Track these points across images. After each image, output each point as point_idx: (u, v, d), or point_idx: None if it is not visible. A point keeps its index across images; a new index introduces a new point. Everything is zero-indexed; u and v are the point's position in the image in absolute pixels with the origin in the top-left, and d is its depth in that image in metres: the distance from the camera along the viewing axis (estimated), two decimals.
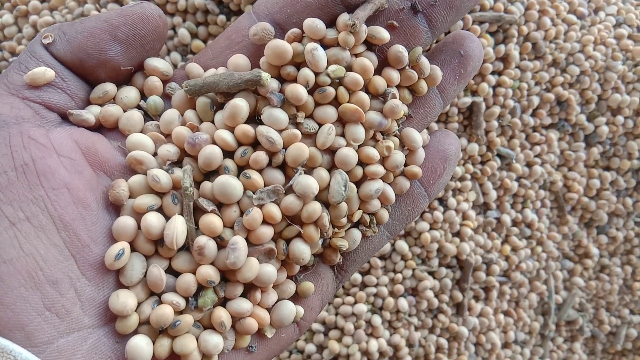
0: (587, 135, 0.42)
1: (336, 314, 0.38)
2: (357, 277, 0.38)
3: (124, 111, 0.24)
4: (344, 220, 0.24)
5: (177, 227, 0.21)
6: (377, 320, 0.38)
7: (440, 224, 0.38)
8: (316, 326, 0.38)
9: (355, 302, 0.38)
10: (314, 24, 0.23)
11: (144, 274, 0.21)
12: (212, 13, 0.36)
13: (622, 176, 0.42)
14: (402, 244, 0.38)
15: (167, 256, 0.22)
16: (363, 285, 0.39)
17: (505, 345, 0.42)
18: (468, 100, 0.37)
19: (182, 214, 0.22)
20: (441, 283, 0.39)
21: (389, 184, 0.25)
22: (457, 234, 0.39)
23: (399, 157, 0.24)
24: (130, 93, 0.24)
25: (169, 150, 0.22)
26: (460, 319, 0.40)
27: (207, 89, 0.23)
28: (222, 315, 0.22)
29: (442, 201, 0.39)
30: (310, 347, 0.38)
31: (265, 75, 0.22)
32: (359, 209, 0.24)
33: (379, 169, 0.24)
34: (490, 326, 0.41)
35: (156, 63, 0.24)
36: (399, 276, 0.38)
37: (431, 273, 0.39)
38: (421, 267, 0.39)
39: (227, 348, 0.22)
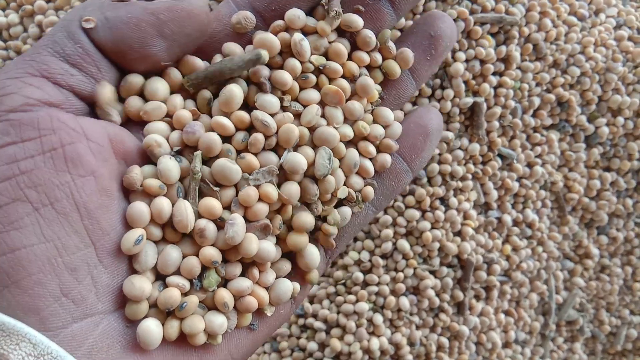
0: (588, 136, 0.42)
1: (338, 312, 0.39)
2: (359, 275, 0.38)
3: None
4: (329, 195, 0.25)
5: (187, 211, 0.22)
6: (378, 318, 0.38)
7: (441, 223, 0.39)
8: (318, 324, 0.39)
9: (357, 301, 0.38)
10: (295, 15, 0.24)
11: (156, 259, 0.22)
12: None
13: (623, 177, 0.43)
14: (403, 243, 0.38)
15: (174, 240, 0.23)
16: (365, 284, 0.39)
17: (506, 344, 0.43)
18: (469, 100, 0.38)
19: (186, 198, 0.22)
20: (442, 282, 0.39)
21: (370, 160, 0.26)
22: (459, 234, 0.40)
23: (379, 129, 0.25)
24: (159, 84, 0.23)
25: (175, 137, 0.23)
26: (461, 318, 0.40)
27: (210, 80, 0.23)
28: (224, 296, 0.22)
29: (443, 201, 0.39)
30: (312, 345, 0.38)
31: (264, 53, 0.23)
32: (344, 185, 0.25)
33: (365, 144, 0.25)
34: (491, 325, 0.41)
35: (198, 63, 0.24)
36: (401, 275, 0.39)
37: (432, 272, 0.40)
38: (422, 267, 0.39)
39: (230, 327, 0.23)
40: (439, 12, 0.26)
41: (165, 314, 0.22)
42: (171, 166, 0.22)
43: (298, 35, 0.24)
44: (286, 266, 0.25)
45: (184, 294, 0.22)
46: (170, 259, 0.22)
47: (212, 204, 0.22)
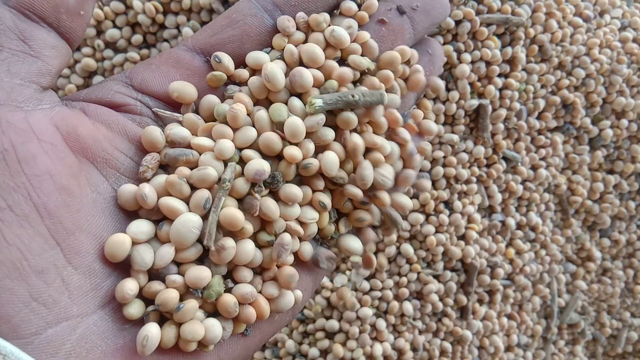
0: (592, 139, 0.42)
1: (340, 318, 0.38)
2: (363, 282, 0.38)
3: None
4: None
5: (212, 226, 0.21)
6: (381, 324, 0.38)
7: (445, 227, 0.38)
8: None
9: (360, 306, 0.38)
10: (348, 5, 0.25)
11: (153, 255, 0.21)
12: (216, 12, 0.36)
13: (626, 179, 0.42)
14: (407, 247, 0.38)
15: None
16: (368, 289, 0.38)
17: (508, 348, 0.42)
18: (475, 102, 0.37)
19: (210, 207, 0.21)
20: (446, 286, 0.39)
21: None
22: (462, 237, 0.39)
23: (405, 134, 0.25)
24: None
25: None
26: (465, 322, 0.40)
27: (341, 106, 0.23)
28: (229, 300, 0.21)
29: (447, 204, 0.39)
30: (314, 351, 0.38)
31: (385, 96, 0.23)
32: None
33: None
34: (494, 330, 0.41)
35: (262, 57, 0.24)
36: (404, 280, 0.38)
37: (436, 276, 0.39)
38: (426, 271, 0.38)
39: (224, 337, 0.22)
40: (433, 39, 0.28)
41: (159, 316, 0.21)
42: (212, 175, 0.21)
43: (331, 27, 0.24)
44: (294, 277, 0.23)
45: (181, 295, 0.21)
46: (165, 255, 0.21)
47: (235, 215, 0.21)
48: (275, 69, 0.23)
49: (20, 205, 0.18)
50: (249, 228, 0.22)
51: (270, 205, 0.22)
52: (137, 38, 0.38)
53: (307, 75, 0.23)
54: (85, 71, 0.39)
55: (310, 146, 0.23)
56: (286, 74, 0.23)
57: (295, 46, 0.24)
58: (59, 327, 0.19)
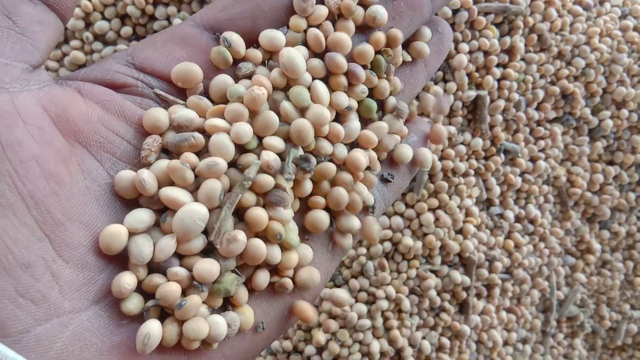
0: (591, 129, 0.41)
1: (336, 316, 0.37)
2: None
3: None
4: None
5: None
6: (378, 320, 0.37)
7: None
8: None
9: (356, 302, 0.37)
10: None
11: (152, 248, 0.20)
12: (207, 3, 0.35)
13: (626, 171, 0.42)
14: (411, 240, 0.37)
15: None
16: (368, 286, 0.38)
17: (507, 342, 0.42)
18: (473, 93, 0.36)
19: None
20: (443, 281, 0.38)
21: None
22: (460, 231, 0.38)
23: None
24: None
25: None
26: (462, 317, 0.39)
27: None
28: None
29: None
30: (310, 349, 0.37)
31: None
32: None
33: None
34: (492, 324, 0.40)
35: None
36: (403, 276, 0.37)
37: (433, 271, 0.38)
38: (425, 266, 0.38)
39: (229, 336, 0.20)
40: (442, 18, 0.28)
41: (160, 311, 0.20)
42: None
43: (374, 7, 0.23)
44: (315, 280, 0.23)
45: (184, 290, 0.20)
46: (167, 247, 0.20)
47: (260, 215, 0.20)
48: (293, 55, 0.21)
49: (4, 194, 0.17)
50: (279, 228, 0.21)
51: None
52: (127, 30, 0.37)
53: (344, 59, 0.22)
54: (74, 64, 0.38)
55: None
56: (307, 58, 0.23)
57: (318, 26, 0.23)
58: (49, 325, 0.18)
